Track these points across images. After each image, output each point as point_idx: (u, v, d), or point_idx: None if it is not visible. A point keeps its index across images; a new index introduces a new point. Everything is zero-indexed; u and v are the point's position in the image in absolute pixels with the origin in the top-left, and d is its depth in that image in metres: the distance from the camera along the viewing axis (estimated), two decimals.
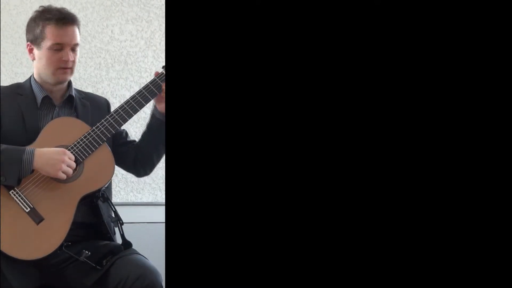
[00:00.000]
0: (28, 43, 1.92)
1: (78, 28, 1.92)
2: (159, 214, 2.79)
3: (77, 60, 1.94)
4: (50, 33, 1.87)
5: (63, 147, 1.78)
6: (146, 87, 1.90)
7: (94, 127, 1.82)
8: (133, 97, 1.89)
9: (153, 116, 1.97)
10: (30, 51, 1.92)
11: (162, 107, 1.93)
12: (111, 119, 1.85)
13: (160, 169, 2.90)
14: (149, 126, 1.99)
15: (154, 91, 1.89)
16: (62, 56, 1.87)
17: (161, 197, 2.93)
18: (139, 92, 1.89)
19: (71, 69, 1.91)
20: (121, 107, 1.87)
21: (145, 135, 2.01)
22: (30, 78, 1.96)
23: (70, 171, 1.75)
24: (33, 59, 1.93)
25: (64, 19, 1.87)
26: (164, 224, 2.88)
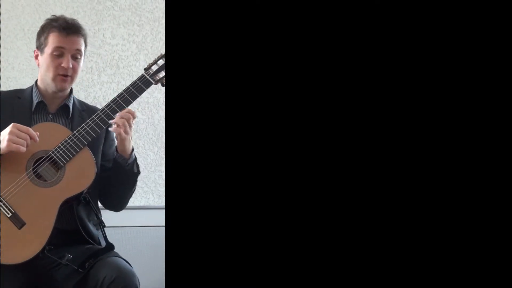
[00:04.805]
0: (35, 49, 1.97)
1: (84, 40, 1.96)
2: (151, 218, 2.79)
3: (79, 70, 1.96)
4: (52, 39, 1.91)
5: (44, 152, 1.78)
6: (126, 90, 1.88)
7: (75, 131, 1.82)
8: (113, 100, 1.86)
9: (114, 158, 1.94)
10: (36, 57, 1.97)
11: (119, 147, 1.90)
12: (92, 122, 1.83)
13: (152, 173, 2.90)
14: (111, 167, 1.95)
15: (135, 93, 1.87)
16: (61, 63, 1.90)
17: (153, 200, 2.92)
18: (120, 95, 1.87)
19: (71, 78, 1.93)
20: (101, 110, 1.85)
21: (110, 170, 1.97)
22: (34, 83, 1.98)
23: (22, 141, 1.71)
24: (38, 65, 1.96)
25: (67, 29, 1.91)
26: (156, 227, 2.87)
